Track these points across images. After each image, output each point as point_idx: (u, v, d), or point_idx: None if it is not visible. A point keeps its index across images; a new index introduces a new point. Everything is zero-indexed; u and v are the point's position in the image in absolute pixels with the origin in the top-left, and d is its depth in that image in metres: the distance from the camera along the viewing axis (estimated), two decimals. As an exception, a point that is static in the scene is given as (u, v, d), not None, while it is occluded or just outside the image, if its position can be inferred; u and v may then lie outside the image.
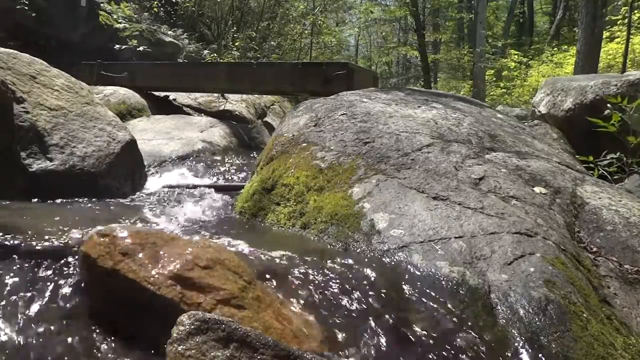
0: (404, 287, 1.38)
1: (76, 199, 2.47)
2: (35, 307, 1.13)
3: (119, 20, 7.63)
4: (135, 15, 8.43)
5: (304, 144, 2.30)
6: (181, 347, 0.90)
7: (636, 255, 1.64)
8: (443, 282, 1.38)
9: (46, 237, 1.39)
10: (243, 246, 1.50)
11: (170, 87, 5.85)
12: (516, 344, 1.20)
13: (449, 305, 1.30)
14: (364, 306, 1.27)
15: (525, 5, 19.42)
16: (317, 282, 1.33)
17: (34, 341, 1.05)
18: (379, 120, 2.35)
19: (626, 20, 7.83)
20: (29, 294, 1.16)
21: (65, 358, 1.03)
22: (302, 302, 1.25)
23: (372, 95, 2.80)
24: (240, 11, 11.43)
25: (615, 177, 3.16)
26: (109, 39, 7.49)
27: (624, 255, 1.65)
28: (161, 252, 1.17)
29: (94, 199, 2.52)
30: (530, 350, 1.18)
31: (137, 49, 7.30)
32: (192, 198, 2.79)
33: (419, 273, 1.43)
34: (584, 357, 1.18)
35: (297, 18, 12.56)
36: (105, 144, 2.84)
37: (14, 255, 1.27)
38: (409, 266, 1.46)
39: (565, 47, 13.84)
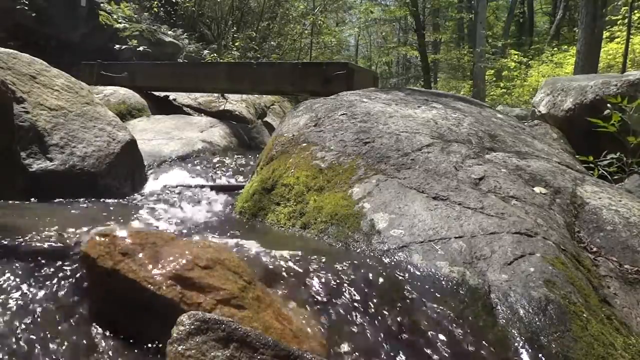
0: (404, 287, 1.38)
1: (76, 199, 2.47)
2: (35, 307, 1.13)
3: (119, 20, 7.63)
4: (135, 15, 8.43)
5: (304, 144, 2.30)
6: (181, 347, 0.90)
7: (636, 255, 1.64)
8: (443, 282, 1.38)
9: (46, 237, 1.39)
10: (243, 246, 1.50)
11: (170, 87, 5.85)
12: (516, 344, 1.20)
13: (449, 305, 1.30)
14: (364, 306, 1.27)
15: (525, 5, 19.42)
16: (317, 282, 1.33)
17: (34, 341, 1.05)
18: (379, 120, 2.35)
19: (626, 20, 7.83)
20: (28, 294, 1.16)
21: (66, 358, 1.03)
22: (302, 302, 1.25)
23: (372, 95, 2.80)
24: (240, 11, 11.43)
25: (615, 177, 3.16)
26: (109, 39, 7.49)
27: (624, 255, 1.65)
28: (161, 252, 1.17)
29: (94, 199, 2.52)
30: (530, 350, 1.18)
31: (137, 49, 7.30)
32: (192, 198, 2.79)
33: (419, 273, 1.43)
34: (584, 357, 1.18)
35: (297, 18, 12.56)
36: (105, 144, 2.84)
37: (14, 255, 1.27)
38: (409, 266, 1.46)
39: (565, 47, 13.84)
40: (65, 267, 1.24)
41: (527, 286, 1.33)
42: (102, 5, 7.67)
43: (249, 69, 5.22)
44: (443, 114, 2.54)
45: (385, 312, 1.26)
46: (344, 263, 1.45)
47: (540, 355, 1.17)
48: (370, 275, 1.41)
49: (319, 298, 1.27)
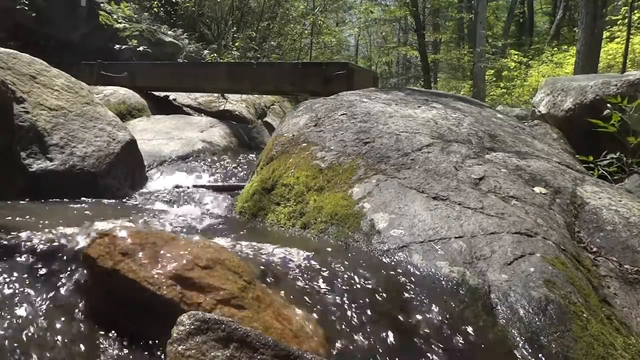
0: (404, 287, 1.38)
1: (76, 199, 2.47)
2: (35, 307, 1.13)
3: (119, 20, 7.63)
4: (135, 15, 8.42)
5: (304, 144, 2.30)
6: (181, 347, 0.90)
7: (636, 255, 1.64)
8: (443, 282, 1.38)
9: (46, 237, 1.39)
10: (243, 246, 1.50)
11: (170, 87, 5.85)
12: (516, 344, 1.20)
13: (449, 305, 1.30)
14: (364, 306, 1.27)
15: (525, 5, 19.42)
16: (317, 282, 1.33)
17: (35, 341, 1.05)
18: (379, 120, 2.35)
19: (626, 20, 7.83)
20: (29, 294, 1.16)
21: (66, 358, 1.03)
22: (302, 301, 1.25)
23: (372, 95, 2.80)
24: (240, 11, 11.43)
25: (615, 177, 3.16)
26: (109, 39, 7.49)
27: (624, 255, 1.65)
28: (161, 252, 1.17)
29: (94, 199, 2.52)
30: (530, 350, 1.18)
31: (137, 49, 7.30)
32: (192, 198, 2.79)
33: (419, 273, 1.43)
34: (584, 357, 1.18)
35: (297, 18, 12.55)
36: (105, 144, 2.84)
37: (14, 255, 1.27)
38: (409, 266, 1.46)
39: (565, 47, 13.83)
40: (65, 267, 1.25)
41: (527, 286, 1.33)
42: (102, 5, 7.67)
43: (249, 69, 5.22)
44: (443, 114, 2.54)
45: (386, 312, 1.26)
46: (344, 263, 1.45)
47: (540, 355, 1.17)
48: (370, 275, 1.41)
49: (319, 298, 1.27)
